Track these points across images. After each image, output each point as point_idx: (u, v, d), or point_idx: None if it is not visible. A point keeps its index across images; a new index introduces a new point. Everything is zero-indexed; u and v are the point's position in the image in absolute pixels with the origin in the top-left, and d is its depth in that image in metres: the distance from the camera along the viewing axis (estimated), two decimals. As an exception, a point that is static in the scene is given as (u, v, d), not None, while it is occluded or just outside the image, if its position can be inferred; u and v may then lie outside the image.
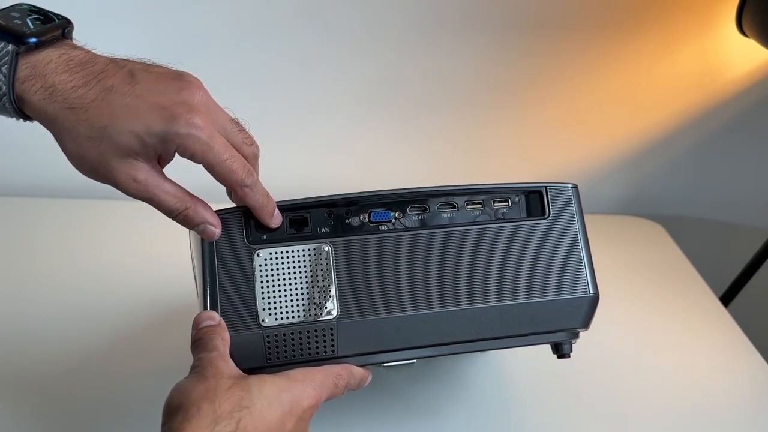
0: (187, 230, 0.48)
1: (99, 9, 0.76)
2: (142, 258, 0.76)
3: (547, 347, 0.52)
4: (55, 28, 0.41)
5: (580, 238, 0.49)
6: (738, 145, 0.93)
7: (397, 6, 0.80)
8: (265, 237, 0.46)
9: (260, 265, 0.45)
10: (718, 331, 0.75)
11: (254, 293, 0.44)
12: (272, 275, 0.45)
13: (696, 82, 0.88)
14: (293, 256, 0.45)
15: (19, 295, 0.70)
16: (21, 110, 0.40)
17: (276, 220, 0.45)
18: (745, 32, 0.81)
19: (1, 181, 0.87)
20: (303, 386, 0.42)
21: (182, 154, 0.41)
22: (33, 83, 0.39)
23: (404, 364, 0.49)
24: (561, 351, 0.51)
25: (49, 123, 0.40)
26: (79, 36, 0.44)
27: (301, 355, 0.45)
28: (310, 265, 0.45)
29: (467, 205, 0.48)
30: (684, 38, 0.85)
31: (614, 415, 0.62)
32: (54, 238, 0.79)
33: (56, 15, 0.42)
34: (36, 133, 0.88)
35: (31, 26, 0.40)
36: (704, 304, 0.79)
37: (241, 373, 0.41)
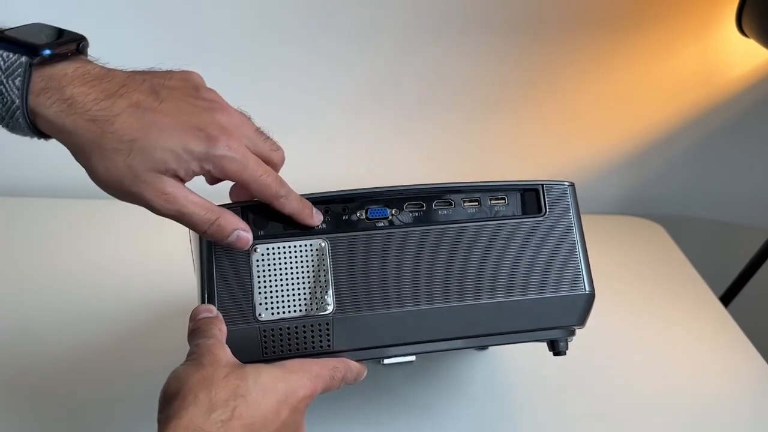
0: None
1: (102, 8, 0.77)
2: (142, 258, 0.77)
3: (545, 346, 0.52)
4: (69, 42, 0.41)
5: (576, 235, 0.49)
6: (738, 145, 0.93)
7: (397, 5, 0.80)
8: (262, 233, 0.46)
9: (257, 261, 0.45)
10: (718, 331, 0.75)
11: (251, 288, 0.45)
12: (269, 270, 0.45)
13: (696, 82, 0.88)
14: (290, 252, 0.46)
15: (18, 294, 0.70)
16: (34, 125, 0.40)
17: (317, 219, 0.46)
18: (745, 32, 0.81)
19: (2, 181, 0.87)
20: (299, 376, 0.42)
21: (216, 174, 0.42)
22: (49, 95, 0.39)
23: (403, 362, 0.49)
24: (557, 348, 0.51)
25: (66, 135, 0.40)
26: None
27: (298, 349, 0.45)
28: (307, 261, 0.46)
29: (464, 202, 0.49)
30: (684, 38, 0.85)
31: (614, 415, 0.62)
32: (53, 238, 0.79)
33: (71, 32, 0.42)
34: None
35: (45, 39, 0.40)
36: (704, 304, 0.79)
37: (238, 361, 0.42)
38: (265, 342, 0.45)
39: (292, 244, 0.46)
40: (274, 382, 0.40)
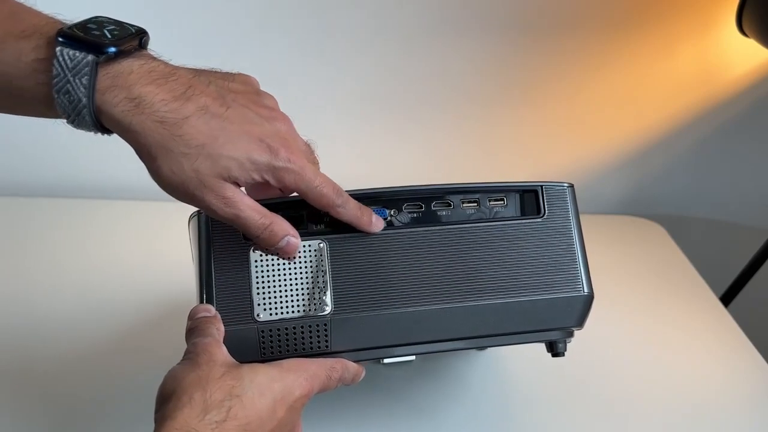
0: (187, 225, 0.48)
1: (101, 7, 0.77)
2: (142, 258, 0.77)
3: (544, 347, 0.52)
4: (133, 38, 0.41)
5: (575, 237, 0.49)
6: (738, 145, 0.93)
7: (397, 5, 0.80)
8: None
9: (256, 261, 0.45)
10: (718, 331, 0.75)
11: (250, 288, 0.45)
12: (268, 271, 0.45)
13: (696, 81, 0.88)
14: None
15: (18, 294, 0.70)
16: (99, 122, 0.40)
17: (376, 226, 0.47)
18: (745, 32, 0.81)
19: (2, 181, 0.87)
20: (295, 376, 0.42)
21: (274, 183, 0.42)
22: (115, 94, 0.39)
23: (403, 361, 0.49)
24: (555, 350, 0.51)
25: (132, 135, 0.40)
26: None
27: (296, 350, 0.45)
28: (306, 262, 0.46)
29: (463, 203, 0.49)
30: (684, 38, 0.85)
31: (614, 415, 0.62)
32: (53, 238, 0.79)
33: (132, 26, 0.42)
34: (36, 133, 0.89)
35: (109, 36, 0.40)
36: (704, 304, 0.79)
37: (234, 361, 0.42)
38: (263, 342, 0.45)
39: None
40: (270, 382, 0.40)
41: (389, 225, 0.47)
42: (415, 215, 0.48)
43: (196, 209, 0.47)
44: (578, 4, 0.81)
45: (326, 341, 0.45)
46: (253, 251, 0.45)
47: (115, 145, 0.97)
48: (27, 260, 0.75)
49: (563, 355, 0.51)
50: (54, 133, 0.86)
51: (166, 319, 0.68)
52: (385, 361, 0.49)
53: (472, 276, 0.47)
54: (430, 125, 0.89)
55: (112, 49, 0.39)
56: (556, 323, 0.49)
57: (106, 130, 0.41)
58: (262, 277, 0.45)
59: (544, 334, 0.49)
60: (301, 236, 0.46)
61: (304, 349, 0.45)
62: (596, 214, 0.95)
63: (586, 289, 0.49)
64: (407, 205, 0.48)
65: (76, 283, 0.72)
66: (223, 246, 0.45)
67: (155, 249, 0.78)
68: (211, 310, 0.44)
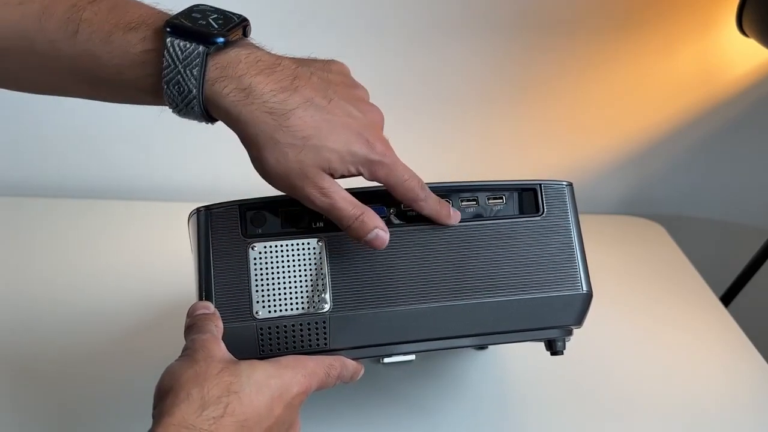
0: (186, 224, 0.49)
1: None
2: (141, 257, 0.77)
3: (543, 345, 0.52)
4: (237, 27, 0.41)
5: (574, 235, 0.49)
6: (738, 145, 0.93)
7: (397, 5, 0.80)
8: (260, 231, 0.46)
9: (255, 259, 0.45)
10: (718, 331, 0.75)
11: (249, 286, 0.45)
12: (267, 269, 0.45)
13: (696, 81, 0.88)
14: (288, 250, 0.46)
15: (18, 294, 0.70)
16: (207, 112, 0.41)
17: (454, 218, 0.48)
18: (745, 32, 0.81)
19: (2, 181, 0.88)
20: (293, 373, 0.42)
21: (366, 176, 0.44)
22: (225, 84, 0.40)
23: (402, 361, 0.49)
24: (554, 348, 0.51)
25: (241, 124, 0.40)
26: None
27: (294, 347, 0.45)
28: (304, 260, 0.46)
29: (461, 202, 0.49)
30: (684, 38, 0.85)
31: (612, 414, 0.62)
32: (53, 238, 0.79)
33: (233, 14, 0.42)
34: (36, 134, 0.89)
35: (215, 25, 0.41)
36: (704, 304, 0.79)
37: (232, 357, 0.42)
38: (262, 339, 0.45)
39: (289, 242, 0.46)
40: (267, 379, 0.40)
41: (387, 223, 0.47)
42: (413, 213, 0.48)
43: (194, 208, 0.47)
44: (578, 4, 0.81)
45: (325, 339, 0.45)
46: (252, 249, 0.46)
47: (115, 145, 0.98)
48: (26, 260, 0.76)
49: (562, 353, 0.51)
50: (54, 133, 0.87)
51: (166, 319, 0.68)
52: (385, 360, 0.49)
53: (471, 274, 0.47)
54: (430, 124, 0.89)
55: (221, 40, 0.40)
56: (555, 321, 0.49)
57: (211, 119, 0.42)
58: (261, 274, 0.45)
59: (543, 332, 0.49)
60: (300, 234, 0.46)
61: (302, 346, 0.45)
62: (596, 213, 0.95)
63: (584, 288, 0.49)
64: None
65: (76, 282, 0.72)
66: (222, 243, 0.45)
67: (155, 249, 0.78)
68: (210, 307, 0.44)
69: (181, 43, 0.39)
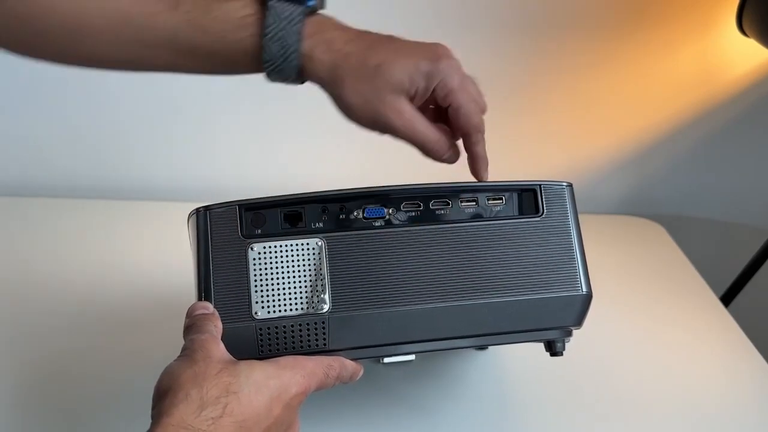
0: (186, 225, 0.49)
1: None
2: (142, 257, 0.77)
3: (543, 346, 0.52)
4: None
5: (573, 236, 0.49)
6: (738, 145, 0.93)
7: (396, 4, 0.80)
8: (259, 231, 0.46)
9: (254, 259, 0.45)
10: (718, 331, 0.75)
11: (248, 286, 0.45)
12: (266, 269, 0.45)
13: (696, 81, 0.88)
14: (287, 251, 0.46)
15: (18, 294, 0.70)
16: (299, 67, 0.47)
17: (487, 174, 0.51)
18: (745, 32, 0.81)
19: (3, 181, 0.88)
20: (292, 373, 0.42)
21: (439, 91, 0.48)
22: (316, 39, 0.47)
23: (402, 360, 0.49)
24: (554, 349, 0.51)
25: (327, 69, 0.47)
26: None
27: (293, 348, 0.45)
28: (304, 260, 0.46)
29: (461, 202, 0.49)
30: (684, 38, 0.85)
31: (612, 414, 0.62)
32: (53, 238, 0.79)
33: None
34: (36, 134, 0.88)
35: None
36: (704, 304, 0.79)
37: (231, 357, 0.42)
38: (261, 340, 0.45)
39: (289, 242, 0.46)
40: (266, 379, 0.40)
41: (387, 224, 0.47)
42: (413, 214, 0.48)
43: (194, 208, 0.47)
44: (578, 4, 0.81)
45: (324, 339, 0.45)
46: (252, 249, 0.46)
47: (115, 145, 0.98)
48: (26, 260, 0.76)
49: (562, 354, 0.51)
50: (54, 133, 0.87)
51: (165, 319, 0.68)
52: (385, 360, 0.49)
53: (470, 274, 0.47)
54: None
55: (312, 2, 0.48)
56: (555, 322, 0.49)
57: (299, 77, 0.48)
58: (261, 274, 0.45)
59: (542, 333, 0.49)
60: (299, 234, 0.46)
61: (302, 347, 0.45)
62: (596, 213, 0.95)
63: (584, 288, 0.49)
64: (405, 203, 0.48)
65: (75, 282, 0.72)
66: (221, 243, 0.45)
67: (155, 249, 0.78)
68: (209, 307, 0.44)
69: (283, 5, 0.46)
